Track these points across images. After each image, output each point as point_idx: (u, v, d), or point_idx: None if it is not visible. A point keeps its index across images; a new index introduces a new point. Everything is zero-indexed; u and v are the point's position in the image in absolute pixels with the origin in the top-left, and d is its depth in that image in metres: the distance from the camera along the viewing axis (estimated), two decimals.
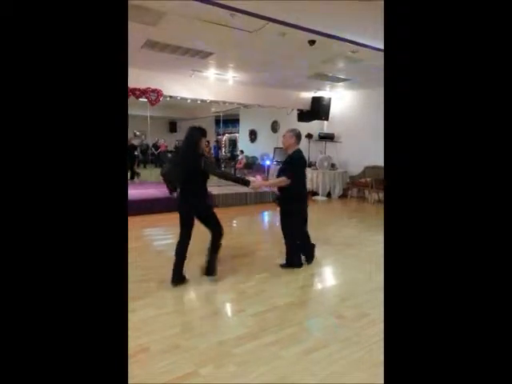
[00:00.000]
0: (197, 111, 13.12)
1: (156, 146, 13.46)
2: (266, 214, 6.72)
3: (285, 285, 3.12)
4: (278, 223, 5.84)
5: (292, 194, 3.29)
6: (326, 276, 3.60)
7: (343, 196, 8.37)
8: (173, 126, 15.60)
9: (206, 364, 1.96)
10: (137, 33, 4.27)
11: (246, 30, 4.07)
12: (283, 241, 3.50)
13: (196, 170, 2.85)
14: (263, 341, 2.20)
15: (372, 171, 7.77)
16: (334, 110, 8.72)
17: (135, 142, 10.02)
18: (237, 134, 14.14)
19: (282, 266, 3.49)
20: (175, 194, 3.10)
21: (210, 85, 7.27)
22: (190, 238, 3.00)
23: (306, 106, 8.63)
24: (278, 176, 3.41)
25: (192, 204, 2.95)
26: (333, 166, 8.44)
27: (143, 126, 10.54)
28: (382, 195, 7.72)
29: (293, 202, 3.33)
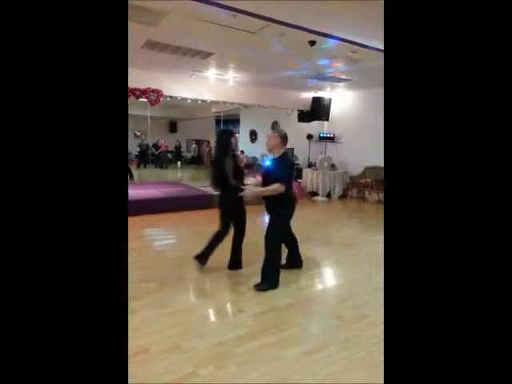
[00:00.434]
0: (197, 111, 13.13)
1: (156, 146, 13.47)
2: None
3: (285, 285, 3.11)
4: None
5: (283, 201, 3.00)
6: (326, 276, 3.59)
7: (343, 196, 8.37)
8: (173, 126, 15.62)
9: (205, 364, 1.96)
10: (137, 33, 4.27)
11: (246, 31, 4.07)
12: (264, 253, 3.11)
13: (222, 169, 3.17)
14: (263, 341, 2.20)
15: (372, 172, 7.77)
16: (335, 110, 8.72)
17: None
18: (237, 135, 14.13)
19: (258, 287, 2.99)
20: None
21: (210, 85, 7.28)
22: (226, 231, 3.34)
23: (307, 107, 8.63)
24: (265, 180, 3.09)
25: (218, 201, 3.37)
26: (333, 166, 8.43)
27: (143, 126, 10.56)
28: (382, 196, 7.71)
29: (283, 209, 3.06)
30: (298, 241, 3.56)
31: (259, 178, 3.30)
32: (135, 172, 10.59)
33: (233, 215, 3.32)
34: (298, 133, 9.42)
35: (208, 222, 5.80)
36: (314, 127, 9.01)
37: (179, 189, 7.75)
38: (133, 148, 12.62)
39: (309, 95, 8.55)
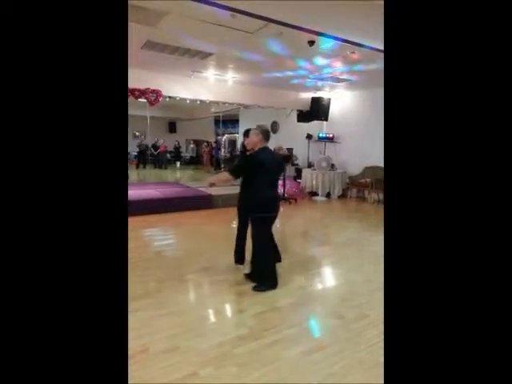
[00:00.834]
0: (196, 111, 13.12)
1: (155, 147, 13.45)
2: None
3: (285, 285, 3.11)
4: (278, 224, 5.86)
5: (253, 200, 2.92)
6: (326, 276, 3.60)
7: (343, 196, 8.38)
8: (172, 127, 15.60)
9: (206, 365, 1.96)
10: (137, 33, 4.27)
11: (245, 31, 4.07)
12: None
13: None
14: (263, 341, 2.20)
15: (371, 171, 7.77)
16: (334, 110, 8.73)
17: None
18: (236, 135, 14.14)
19: (255, 288, 2.96)
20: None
21: (209, 85, 7.28)
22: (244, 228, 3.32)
23: (306, 107, 8.63)
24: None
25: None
26: (332, 166, 8.44)
27: (142, 126, 10.55)
28: (381, 195, 7.72)
29: (254, 210, 2.92)
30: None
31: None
32: (134, 172, 10.58)
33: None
34: (297, 133, 9.43)
35: (207, 222, 5.82)
36: (314, 127, 9.01)
37: (178, 189, 7.75)
38: (132, 148, 12.59)
39: (308, 95, 8.55)
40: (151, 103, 6.58)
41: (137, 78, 6.23)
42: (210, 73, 6.63)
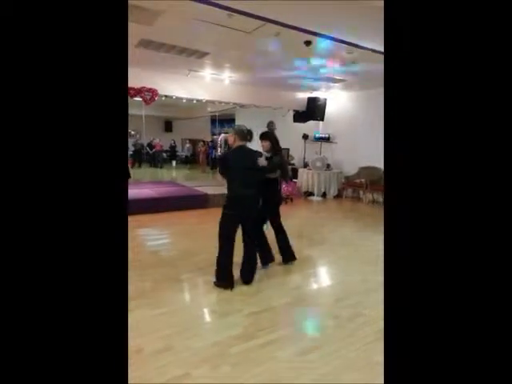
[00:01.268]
0: (192, 111, 13.08)
1: (151, 146, 13.41)
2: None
3: (280, 285, 3.12)
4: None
5: (227, 197, 3.01)
6: (322, 276, 3.60)
7: (338, 196, 8.40)
8: (168, 126, 15.55)
9: (200, 365, 1.95)
10: (132, 32, 4.24)
11: (242, 31, 4.07)
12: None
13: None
14: (258, 341, 2.20)
15: (367, 172, 7.80)
16: (330, 110, 8.75)
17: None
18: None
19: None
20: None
21: (205, 84, 7.26)
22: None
23: (302, 107, 8.64)
24: None
25: None
26: (328, 166, 8.46)
27: (138, 125, 10.50)
28: (376, 196, 7.76)
29: (225, 206, 2.99)
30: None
31: None
32: (130, 171, 10.52)
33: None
34: (293, 133, 9.44)
35: (202, 221, 5.80)
36: (310, 127, 9.03)
37: (174, 188, 7.72)
38: (128, 147, 12.54)
39: (304, 95, 8.56)
40: (147, 102, 6.55)
41: (132, 76, 6.18)
42: (207, 72, 6.61)
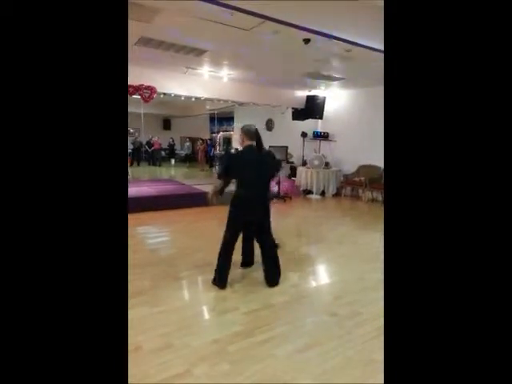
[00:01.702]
0: (191, 109, 13.06)
1: (150, 144, 13.38)
2: None
3: (279, 283, 3.12)
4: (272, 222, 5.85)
5: (233, 197, 2.91)
6: (320, 274, 3.61)
7: (337, 194, 8.41)
8: (167, 124, 15.52)
9: (199, 363, 1.96)
10: (130, 29, 4.22)
11: (241, 28, 4.05)
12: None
13: None
14: (257, 339, 2.20)
15: (366, 170, 7.81)
16: (329, 108, 8.74)
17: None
18: (231, 132, 14.10)
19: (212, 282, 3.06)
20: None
21: (204, 82, 7.24)
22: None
23: (301, 105, 8.63)
24: None
25: None
26: (327, 164, 8.46)
27: (137, 123, 10.49)
28: (375, 194, 7.77)
29: (231, 206, 2.93)
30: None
31: None
32: (128, 169, 10.51)
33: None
34: (292, 131, 9.43)
35: (202, 219, 5.80)
36: (309, 125, 9.02)
37: (172, 186, 7.72)
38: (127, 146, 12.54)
39: (303, 93, 8.55)
40: (145, 100, 6.53)
41: (131, 74, 6.15)
42: (205, 70, 6.59)
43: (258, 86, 7.95)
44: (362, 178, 7.74)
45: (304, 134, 9.14)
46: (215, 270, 2.99)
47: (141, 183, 8.03)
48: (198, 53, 5.32)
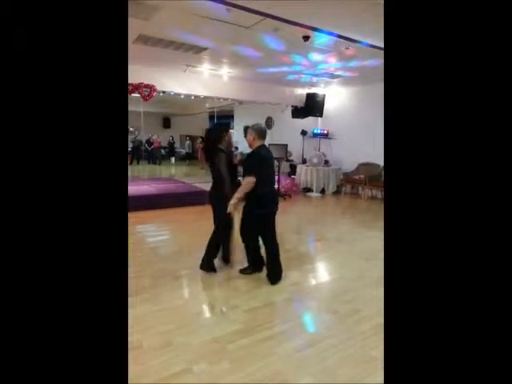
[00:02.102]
0: (191, 107, 13.03)
1: (149, 142, 13.36)
2: None
3: (279, 281, 3.13)
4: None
5: (255, 196, 2.90)
6: (320, 272, 3.62)
7: (337, 192, 8.41)
8: (166, 122, 15.49)
9: (199, 361, 1.96)
10: (129, 27, 4.21)
11: (240, 26, 4.04)
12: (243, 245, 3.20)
13: (213, 166, 3.14)
14: (257, 337, 2.21)
15: (365, 168, 7.80)
16: (328, 106, 8.73)
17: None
18: (231, 130, 14.08)
19: (242, 271, 3.23)
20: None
21: (203, 80, 7.23)
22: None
23: (301, 103, 8.62)
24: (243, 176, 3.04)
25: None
26: (326, 162, 8.46)
27: (137, 121, 10.46)
28: (375, 192, 7.77)
29: (255, 206, 2.94)
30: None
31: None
32: (128, 168, 10.50)
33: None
34: (292, 129, 9.43)
35: (202, 218, 5.79)
36: (308, 123, 9.02)
37: (172, 185, 7.72)
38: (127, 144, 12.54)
39: (303, 91, 8.54)
40: (145, 98, 6.52)
41: (130, 72, 6.11)
42: (205, 67, 6.58)
43: (258, 83, 7.94)
44: (362, 176, 7.74)
45: (304, 132, 9.13)
46: (257, 258, 3.16)
47: (141, 182, 8.03)
48: (198, 50, 5.31)
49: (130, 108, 8.27)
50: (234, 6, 3.41)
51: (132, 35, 4.62)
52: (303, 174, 8.45)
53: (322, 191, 8.34)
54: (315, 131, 8.92)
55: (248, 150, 3.27)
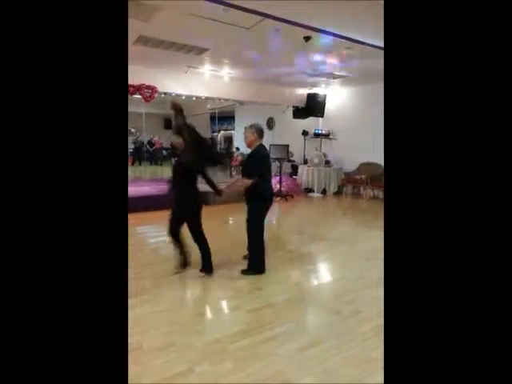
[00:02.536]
0: (192, 108, 13.03)
1: (151, 143, 13.38)
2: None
3: (281, 281, 3.13)
4: (274, 220, 5.86)
5: (257, 193, 3.12)
6: (322, 272, 3.61)
7: (338, 193, 8.40)
8: (168, 123, 15.51)
9: (201, 361, 1.96)
10: (129, 28, 4.23)
11: (241, 26, 4.05)
12: (246, 243, 3.30)
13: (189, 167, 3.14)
14: (259, 337, 2.21)
15: (367, 168, 7.79)
16: (329, 106, 8.73)
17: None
18: (232, 131, 14.09)
19: (244, 272, 3.24)
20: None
21: (205, 81, 7.24)
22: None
23: (302, 103, 8.62)
24: (243, 175, 3.20)
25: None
26: (328, 162, 8.45)
27: (138, 122, 10.48)
28: (376, 192, 7.75)
29: (258, 201, 3.15)
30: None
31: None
32: (130, 169, 10.53)
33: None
34: (293, 129, 9.43)
35: (203, 218, 5.78)
36: (309, 124, 9.02)
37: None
38: (128, 145, 12.56)
39: (304, 91, 8.54)
40: (146, 99, 6.54)
41: (131, 74, 6.15)
42: (206, 68, 6.59)
43: (259, 84, 7.94)
44: (363, 176, 7.73)
45: (305, 133, 9.13)
46: (260, 261, 3.25)
47: (142, 182, 8.04)
48: (199, 51, 5.32)
49: (132, 109, 8.31)
50: (234, 6, 3.41)
51: (132, 36, 4.63)
52: (305, 175, 8.45)
53: (324, 191, 8.33)
54: (316, 131, 8.91)
55: (247, 151, 3.35)
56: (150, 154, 13.47)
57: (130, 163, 12.01)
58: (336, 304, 2.73)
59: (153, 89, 6.51)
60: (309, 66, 6.21)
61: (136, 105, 8.02)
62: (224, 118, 13.61)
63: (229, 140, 14.71)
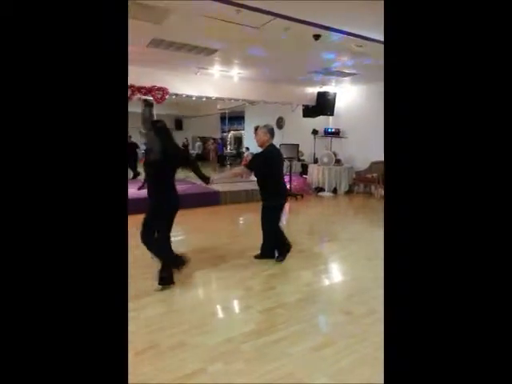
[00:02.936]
0: (202, 109, 13.12)
1: None
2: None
3: (292, 281, 3.12)
4: (284, 221, 5.85)
5: (269, 190, 3.44)
6: (333, 272, 3.59)
7: (349, 192, 8.33)
8: (178, 124, 15.65)
9: (214, 361, 1.97)
10: (142, 31, 4.27)
11: (251, 26, 4.05)
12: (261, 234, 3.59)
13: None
14: (271, 337, 2.21)
15: (378, 166, 7.70)
16: (340, 105, 8.66)
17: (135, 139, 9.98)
18: (242, 131, 14.12)
19: (256, 256, 3.59)
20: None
21: (215, 82, 7.27)
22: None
23: (311, 102, 8.58)
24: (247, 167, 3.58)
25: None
26: (338, 161, 8.38)
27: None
28: None
29: (271, 198, 3.44)
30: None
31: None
32: (143, 169, 10.59)
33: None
34: (303, 128, 9.39)
35: (214, 218, 5.84)
36: (319, 122, 8.96)
37: (185, 186, 7.76)
38: (140, 146, 12.69)
39: (314, 90, 8.49)
40: (158, 101, 6.59)
41: (143, 75, 6.24)
42: (216, 69, 6.62)
43: (269, 83, 7.94)
44: (375, 175, 7.65)
45: (315, 132, 9.08)
46: (283, 252, 3.58)
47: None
48: (209, 52, 5.34)
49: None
50: (245, 7, 3.41)
51: (145, 39, 4.68)
52: (315, 174, 8.40)
53: (334, 191, 8.27)
54: (327, 130, 8.85)
55: (258, 151, 3.46)
56: None
57: (143, 164, 12.11)
58: (348, 304, 2.71)
59: (164, 90, 6.57)
60: (319, 65, 6.17)
61: None
62: (234, 118, 13.65)
63: (238, 140, 14.74)
